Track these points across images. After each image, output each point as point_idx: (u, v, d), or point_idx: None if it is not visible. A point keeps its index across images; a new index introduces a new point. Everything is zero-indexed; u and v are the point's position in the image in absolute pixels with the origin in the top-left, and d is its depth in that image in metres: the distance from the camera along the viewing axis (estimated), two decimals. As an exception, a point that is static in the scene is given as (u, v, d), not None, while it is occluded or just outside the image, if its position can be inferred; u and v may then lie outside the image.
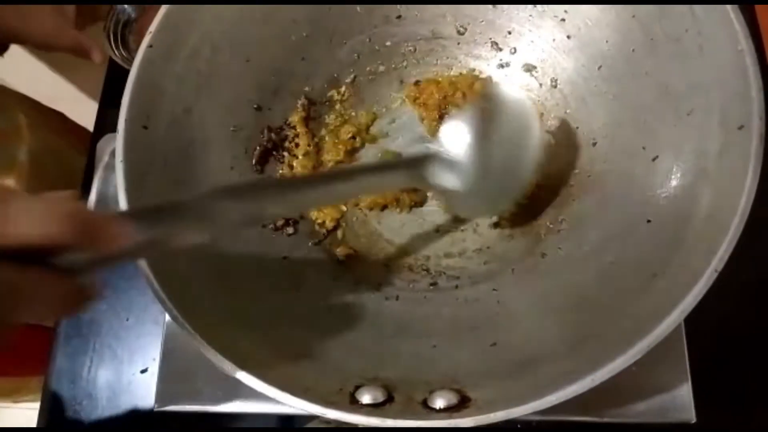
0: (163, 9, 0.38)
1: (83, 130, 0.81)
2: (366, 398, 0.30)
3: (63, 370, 0.51)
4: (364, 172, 0.35)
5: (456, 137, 0.34)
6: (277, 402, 0.41)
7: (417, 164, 0.34)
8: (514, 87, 0.45)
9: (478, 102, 0.36)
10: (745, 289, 0.45)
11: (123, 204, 0.34)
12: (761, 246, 0.46)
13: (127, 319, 0.53)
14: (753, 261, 0.45)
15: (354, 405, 0.29)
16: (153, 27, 0.37)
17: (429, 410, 0.29)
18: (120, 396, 0.50)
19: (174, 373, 0.42)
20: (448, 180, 0.34)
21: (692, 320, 0.39)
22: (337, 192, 0.32)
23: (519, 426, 0.45)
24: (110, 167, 0.53)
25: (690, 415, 0.38)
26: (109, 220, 0.23)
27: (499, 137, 0.35)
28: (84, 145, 0.73)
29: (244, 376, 0.29)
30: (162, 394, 0.42)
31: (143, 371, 0.50)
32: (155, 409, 0.42)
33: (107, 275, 0.53)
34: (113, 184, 0.53)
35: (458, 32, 0.45)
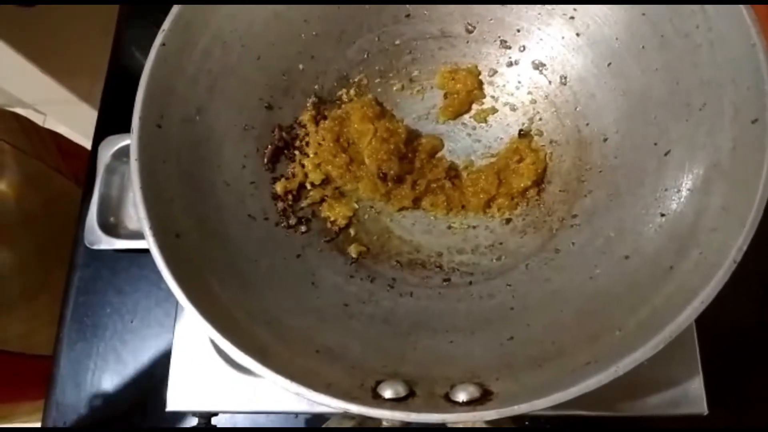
0: (176, 8, 0.38)
1: (78, 149, 0.80)
2: (388, 393, 0.30)
3: (67, 374, 0.51)
4: None
5: None
6: (288, 401, 0.41)
7: None
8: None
9: None
10: (755, 282, 0.46)
11: (139, 201, 0.33)
12: (765, 235, 0.47)
13: (132, 322, 0.52)
14: (757, 250, 0.45)
15: (377, 400, 0.29)
16: (166, 25, 0.37)
17: (452, 404, 0.29)
18: (124, 399, 0.50)
19: (185, 374, 0.42)
20: None
21: (702, 314, 0.39)
22: None
23: (527, 423, 0.46)
24: (112, 169, 0.53)
25: (702, 408, 0.39)
26: None
27: None
28: (75, 168, 0.72)
29: (267, 373, 0.29)
30: (173, 396, 0.42)
31: (148, 374, 0.50)
32: (167, 410, 0.42)
33: (112, 277, 0.53)
34: (115, 186, 0.53)
35: (467, 30, 0.45)
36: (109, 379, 0.51)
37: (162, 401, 0.41)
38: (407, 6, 0.45)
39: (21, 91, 1.14)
